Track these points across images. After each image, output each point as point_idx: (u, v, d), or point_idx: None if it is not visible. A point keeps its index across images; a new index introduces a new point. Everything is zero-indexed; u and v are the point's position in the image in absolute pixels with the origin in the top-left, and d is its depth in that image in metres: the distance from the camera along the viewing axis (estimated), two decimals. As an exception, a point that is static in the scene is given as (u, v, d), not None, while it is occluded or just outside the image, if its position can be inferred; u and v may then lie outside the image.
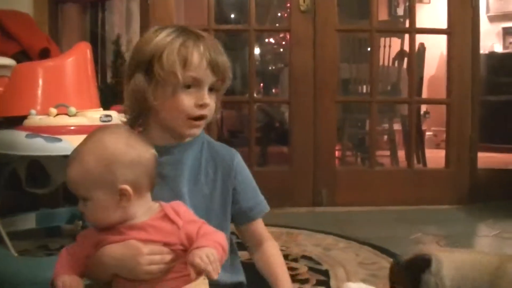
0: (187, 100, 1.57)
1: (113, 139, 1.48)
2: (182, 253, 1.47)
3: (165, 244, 1.46)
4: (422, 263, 1.46)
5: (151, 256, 1.44)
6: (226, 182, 1.71)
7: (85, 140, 1.49)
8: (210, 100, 1.60)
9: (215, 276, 1.36)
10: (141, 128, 1.64)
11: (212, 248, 1.39)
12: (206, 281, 1.44)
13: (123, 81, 1.67)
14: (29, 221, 3.08)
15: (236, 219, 1.75)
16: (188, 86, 1.57)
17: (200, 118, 1.60)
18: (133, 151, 1.47)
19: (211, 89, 1.61)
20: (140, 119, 1.63)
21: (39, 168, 2.87)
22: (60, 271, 1.46)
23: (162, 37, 1.59)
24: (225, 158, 1.74)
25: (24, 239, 2.98)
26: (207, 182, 1.69)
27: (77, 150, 1.47)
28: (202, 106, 1.59)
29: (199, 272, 1.36)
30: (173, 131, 1.63)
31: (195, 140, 1.70)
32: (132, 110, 1.64)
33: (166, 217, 1.48)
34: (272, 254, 1.77)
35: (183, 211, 1.51)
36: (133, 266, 1.44)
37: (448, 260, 1.46)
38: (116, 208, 1.45)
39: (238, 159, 1.76)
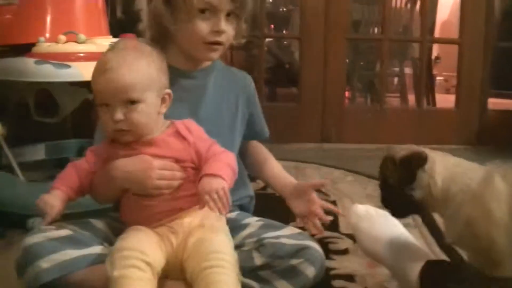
0: (203, 26, 1.58)
1: (148, 48, 1.52)
2: (192, 170, 1.49)
3: (176, 161, 1.48)
4: (417, 160, 1.46)
5: (161, 170, 1.46)
6: (247, 107, 1.78)
7: (118, 50, 1.50)
8: (227, 27, 1.60)
9: (224, 213, 1.39)
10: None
11: (222, 180, 1.39)
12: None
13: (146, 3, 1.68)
14: (38, 152, 3.09)
15: (246, 138, 1.81)
16: (203, 11, 1.57)
17: (217, 43, 1.61)
18: (165, 61, 1.53)
19: (229, 15, 1.61)
20: (159, 43, 1.63)
21: (47, 97, 2.87)
22: (56, 185, 1.48)
23: None
24: (246, 83, 1.80)
25: (33, 169, 2.99)
26: (229, 107, 1.73)
27: (118, 57, 1.46)
28: (218, 32, 1.59)
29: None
30: (191, 55, 1.64)
31: (214, 66, 1.72)
32: (152, 32, 1.66)
33: (177, 133, 1.51)
34: (276, 168, 1.87)
35: (195, 129, 1.53)
36: (143, 179, 1.45)
37: (442, 161, 1.47)
38: (156, 114, 1.49)
39: (253, 84, 1.83)
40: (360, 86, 5.96)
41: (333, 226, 2.22)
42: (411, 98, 5.43)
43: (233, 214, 1.66)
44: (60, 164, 3.19)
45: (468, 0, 4.20)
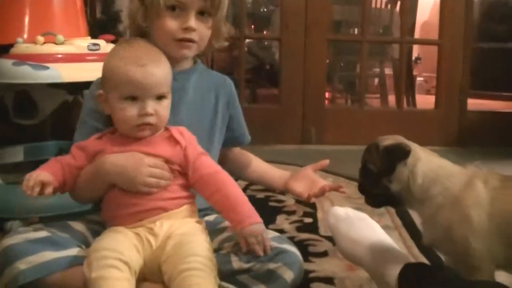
0: (172, 23, 1.58)
1: None
2: (179, 174, 1.50)
3: (166, 162, 1.49)
4: (400, 153, 1.47)
5: (152, 168, 1.46)
6: (227, 109, 1.76)
7: (140, 46, 1.53)
8: (198, 25, 1.60)
9: (261, 254, 1.44)
10: None
11: (259, 223, 1.47)
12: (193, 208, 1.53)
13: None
14: (17, 154, 3.07)
15: (227, 144, 1.79)
16: (173, 8, 1.57)
17: (187, 40, 1.60)
18: None
19: (202, 13, 1.61)
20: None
21: (26, 99, 2.85)
22: (39, 169, 1.47)
23: None
24: (225, 86, 1.78)
25: (12, 172, 2.97)
26: (209, 111, 1.73)
27: (148, 53, 1.51)
28: (187, 29, 1.59)
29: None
30: (166, 54, 1.62)
31: (194, 68, 1.72)
32: (131, 32, 1.67)
33: (171, 137, 1.52)
34: (265, 164, 1.89)
35: (188, 135, 1.55)
36: (133, 175, 1.45)
37: (426, 159, 1.47)
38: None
39: (233, 86, 1.81)
40: (340, 86, 5.98)
41: (313, 228, 2.22)
42: (392, 98, 5.46)
43: (211, 217, 1.66)
44: (38, 166, 3.17)
45: (447, 1, 4.23)
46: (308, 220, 2.33)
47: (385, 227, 2.05)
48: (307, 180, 1.76)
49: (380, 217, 2.38)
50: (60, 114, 3.16)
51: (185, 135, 1.54)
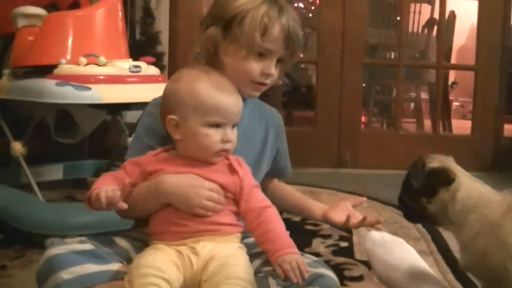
0: (255, 67, 1.60)
1: None
2: (232, 201, 1.52)
3: (221, 188, 1.51)
4: (444, 179, 1.47)
5: (211, 192, 1.48)
6: (275, 142, 1.78)
7: (223, 77, 1.55)
8: (275, 71, 1.63)
9: (294, 281, 1.42)
10: None
11: (298, 255, 1.45)
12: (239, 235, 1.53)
13: (200, 26, 1.70)
14: (56, 171, 3.13)
15: (269, 175, 1.80)
16: (260, 54, 1.60)
17: (262, 84, 1.64)
18: None
19: (278, 60, 1.64)
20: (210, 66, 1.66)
21: (67, 117, 2.90)
22: (100, 185, 1.47)
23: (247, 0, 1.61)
24: (275, 119, 1.80)
25: (51, 189, 3.02)
26: (259, 139, 1.74)
27: (228, 82, 1.54)
28: (267, 75, 1.61)
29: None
30: (238, 88, 1.66)
31: (250, 99, 1.73)
32: (201, 57, 1.68)
33: (230, 166, 1.53)
34: (301, 194, 1.88)
35: (245, 166, 1.56)
36: (192, 197, 1.47)
37: (468, 186, 1.47)
38: None
39: (282, 119, 1.84)
40: (376, 110, 5.97)
41: (348, 252, 2.23)
42: (427, 123, 5.44)
43: (250, 240, 1.67)
44: (77, 184, 3.23)
45: (484, 26, 4.22)
46: (344, 244, 2.33)
47: (420, 252, 2.06)
48: (346, 212, 1.77)
49: (416, 242, 2.37)
50: (98, 133, 3.22)
51: (243, 166, 1.57)
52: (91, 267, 1.44)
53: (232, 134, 1.50)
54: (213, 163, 1.53)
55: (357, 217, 1.71)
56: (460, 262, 1.53)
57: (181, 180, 1.50)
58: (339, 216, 1.74)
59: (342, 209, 1.76)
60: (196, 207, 1.47)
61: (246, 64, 1.60)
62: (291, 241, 1.49)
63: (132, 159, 1.57)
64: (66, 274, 1.42)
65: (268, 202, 1.55)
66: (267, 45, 1.58)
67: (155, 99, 1.66)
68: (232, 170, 1.54)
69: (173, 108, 1.51)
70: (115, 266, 1.47)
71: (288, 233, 1.51)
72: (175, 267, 1.42)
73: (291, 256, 1.44)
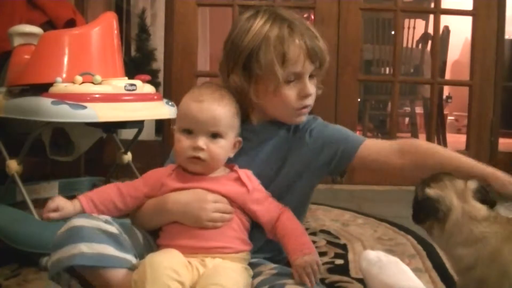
0: (291, 94, 1.61)
1: (228, 92, 1.61)
2: (240, 211, 1.58)
3: (228, 198, 1.56)
4: (431, 211, 1.47)
5: (215, 203, 1.51)
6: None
7: (208, 87, 1.59)
8: (311, 88, 1.64)
9: (309, 286, 1.44)
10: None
11: (317, 257, 1.49)
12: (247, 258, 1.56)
13: (220, 73, 1.70)
14: (51, 189, 3.12)
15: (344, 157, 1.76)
16: (289, 81, 1.60)
17: (306, 107, 1.65)
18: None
19: (311, 76, 1.65)
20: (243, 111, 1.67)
21: (63, 135, 2.91)
22: (80, 196, 1.56)
23: (257, 29, 1.61)
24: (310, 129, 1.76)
25: (46, 206, 3.01)
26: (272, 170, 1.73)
27: (211, 92, 1.56)
28: (306, 97, 1.63)
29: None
30: (280, 120, 1.69)
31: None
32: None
33: (238, 179, 1.58)
34: None
35: (254, 179, 1.61)
36: (197, 212, 1.51)
37: (457, 221, 1.45)
38: (227, 154, 1.59)
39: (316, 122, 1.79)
40: (371, 126, 5.98)
41: (344, 270, 2.23)
42: (422, 137, 5.45)
43: (254, 260, 1.68)
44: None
45: (478, 41, 4.24)
46: (339, 261, 2.33)
47: (416, 270, 2.07)
48: None
49: (411, 259, 2.38)
50: (94, 151, 3.22)
51: (252, 179, 1.59)
52: (111, 250, 1.45)
53: (206, 142, 1.52)
54: (218, 177, 1.55)
55: None
56: (457, 284, 1.53)
57: (185, 198, 1.52)
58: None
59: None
60: (204, 221, 1.50)
61: (280, 96, 1.60)
62: (308, 239, 1.53)
63: (144, 175, 1.59)
64: (86, 248, 1.42)
65: (281, 206, 1.59)
66: (291, 69, 1.58)
67: None
68: (241, 183, 1.56)
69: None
70: (131, 257, 1.48)
71: (306, 232, 1.56)
72: (186, 270, 1.44)
73: (309, 257, 1.46)
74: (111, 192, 1.60)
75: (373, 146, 1.71)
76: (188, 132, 1.53)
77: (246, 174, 1.60)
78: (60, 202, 1.55)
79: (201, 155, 1.52)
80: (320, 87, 1.72)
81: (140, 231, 1.61)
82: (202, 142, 1.52)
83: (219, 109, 1.53)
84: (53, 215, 1.54)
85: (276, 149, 1.72)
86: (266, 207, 1.58)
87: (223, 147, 1.55)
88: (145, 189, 1.59)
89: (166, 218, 1.53)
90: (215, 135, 1.53)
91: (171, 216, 1.52)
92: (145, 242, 1.60)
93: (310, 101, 1.65)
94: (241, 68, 1.63)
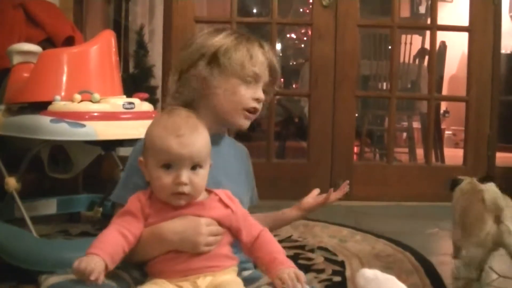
0: (246, 93, 1.69)
1: (197, 117, 1.59)
2: (227, 233, 1.57)
3: (217, 222, 1.55)
4: None
5: (209, 227, 1.52)
6: (249, 173, 1.88)
7: (181, 116, 1.56)
8: (263, 96, 1.73)
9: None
10: None
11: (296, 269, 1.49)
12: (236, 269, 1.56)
13: (171, 71, 1.77)
14: (50, 206, 3.13)
15: None
16: (248, 81, 1.69)
17: (253, 111, 1.71)
18: None
19: (264, 91, 1.74)
20: (189, 106, 1.70)
21: (61, 153, 2.92)
22: (93, 250, 1.43)
23: (226, 35, 1.72)
24: (243, 151, 1.91)
25: (45, 223, 3.03)
26: (238, 174, 1.82)
27: (188, 124, 1.53)
28: (258, 100, 1.71)
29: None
30: (224, 120, 1.73)
31: (225, 137, 1.80)
32: (184, 96, 1.72)
33: (221, 201, 1.57)
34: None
35: (234, 199, 1.61)
36: (195, 239, 1.50)
37: None
38: (206, 180, 1.56)
39: (248, 153, 1.93)
40: (368, 141, 6.00)
41: (341, 287, 2.23)
42: (420, 151, 5.47)
43: (246, 272, 1.69)
44: (70, 218, 3.24)
45: (474, 57, 4.27)
46: (337, 278, 2.33)
47: (413, 286, 2.09)
48: (316, 195, 2.01)
49: (408, 275, 2.38)
50: (92, 168, 3.23)
51: (233, 199, 1.60)
52: None
53: (188, 176, 1.49)
54: (203, 202, 1.56)
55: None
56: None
57: (180, 226, 1.52)
58: (314, 199, 2.00)
59: (312, 195, 2.01)
60: (201, 247, 1.50)
61: (237, 90, 1.68)
62: (287, 259, 1.53)
63: (128, 209, 1.56)
64: None
65: (260, 226, 1.60)
66: (255, 69, 1.69)
67: (142, 138, 1.69)
68: (224, 204, 1.57)
69: (143, 150, 1.56)
70: None
71: (284, 252, 1.55)
72: None
73: (290, 269, 1.47)
74: (119, 242, 1.55)
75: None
76: (167, 166, 1.51)
77: (227, 195, 1.59)
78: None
79: (186, 189, 1.50)
80: (263, 109, 1.80)
81: (125, 271, 1.59)
82: (185, 177, 1.49)
83: (199, 140, 1.52)
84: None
85: (233, 164, 1.81)
86: (248, 226, 1.58)
87: (204, 176, 1.54)
88: (140, 225, 1.57)
89: (164, 248, 1.52)
90: (194, 167, 1.52)
91: (169, 245, 1.52)
92: (133, 278, 1.59)
93: (260, 106, 1.72)
94: (207, 60, 1.69)
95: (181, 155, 1.49)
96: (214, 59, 1.69)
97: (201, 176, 1.53)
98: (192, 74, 1.71)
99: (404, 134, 6.66)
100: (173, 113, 1.58)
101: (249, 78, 1.68)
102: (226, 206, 1.57)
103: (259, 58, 1.70)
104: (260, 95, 1.70)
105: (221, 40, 1.71)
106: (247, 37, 1.74)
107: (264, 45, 1.74)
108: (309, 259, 2.57)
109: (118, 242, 1.49)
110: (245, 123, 1.73)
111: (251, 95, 1.69)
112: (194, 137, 1.51)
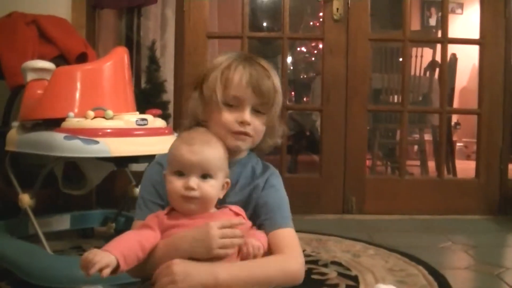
0: (229, 117, 1.68)
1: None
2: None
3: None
4: None
5: (221, 229, 1.53)
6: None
7: (198, 131, 1.66)
8: (252, 120, 1.69)
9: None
10: None
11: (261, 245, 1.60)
12: None
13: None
14: (63, 222, 3.14)
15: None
16: (230, 105, 1.68)
17: (243, 133, 1.69)
18: None
19: (257, 111, 1.71)
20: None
21: (75, 169, 2.93)
22: (108, 248, 1.47)
23: (218, 61, 1.73)
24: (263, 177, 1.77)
25: (58, 239, 3.04)
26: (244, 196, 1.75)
27: (201, 136, 1.63)
28: (242, 123, 1.68)
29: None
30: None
31: (248, 161, 1.77)
32: (191, 123, 1.76)
33: (231, 210, 1.63)
34: None
35: (242, 212, 1.66)
36: (207, 243, 1.51)
37: None
38: (218, 195, 1.62)
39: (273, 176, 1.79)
40: (380, 154, 5.99)
41: (356, 302, 2.24)
42: (431, 164, 5.47)
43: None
44: (84, 234, 3.25)
45: (486, 70, 4.25)
46: (351, 291, 2.34)
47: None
48: None
49: (422, 291, 2.38)
50: (106, 183, 3.24)
51: (242, 213, 1.65)
52: None
53: (197, 182, 1.56)
54: (216, 213, 1.58)
55: None
56: None
57: (191, 233, 1.54)
58: None
59: None
60: (215, 249, 1.51)
61: (221, 116, 1.68)
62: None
63: (146, 223, 1.60)
64: None
65: (264, 235, 1.66)
66: (232, 92, 1.67)
67: (157, 157, 1.75)
68: (235, 213, 1.62)
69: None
70: None
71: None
72: None
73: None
74: (134, 246, 1.57)
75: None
76: (180, 174, 1.57)
77: (238, 209, 1.64)
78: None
79: (194, 194, 1.55)
80: (282, 137, 1.82)
81: None
82: (193, 182, 1.55)
83: (209, 151, 1.59)
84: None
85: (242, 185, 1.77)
86: (251, 235, 1.61)
87: (214, 187, 1.58)
88: (157, 235, 1.60)
89: (179, 257, 1.54)
90: (205, 176, 1.57)
91: (182, 253, 1.53)
92: None
93: (249, 130, 1.69)
94: (198, 89, 1.73)
95: (190, 162, 1.56)
96: (200, 87, 1.73)
97: (211, 185, 1.58)
98: (189, 103, 1.76)
99: (416, 147, 6.65)
100: (193, 130, 1.66)
101: (231, 102, 1.67)
102: (237, 214, 1.61)
103: (234, 80, 1.67)
104: (245, 118, 1.67)
105: (210, 66, 1.74)
106: (239, 60, 1.71)
107: (247, 67, 1.69)
108: (323, 274, 2.57)
109: (133, 245, 1.52)
110: (239, 145, 1.70)
111: (235, 119, 1.67)
112: (205, 148, 1.59)
